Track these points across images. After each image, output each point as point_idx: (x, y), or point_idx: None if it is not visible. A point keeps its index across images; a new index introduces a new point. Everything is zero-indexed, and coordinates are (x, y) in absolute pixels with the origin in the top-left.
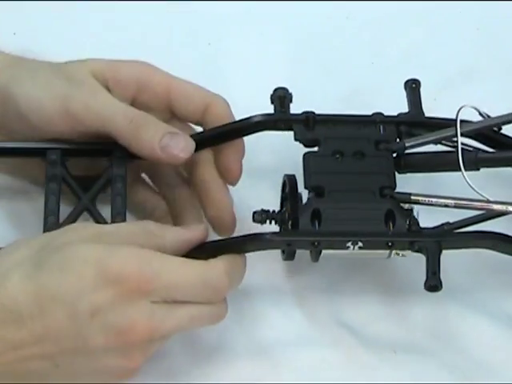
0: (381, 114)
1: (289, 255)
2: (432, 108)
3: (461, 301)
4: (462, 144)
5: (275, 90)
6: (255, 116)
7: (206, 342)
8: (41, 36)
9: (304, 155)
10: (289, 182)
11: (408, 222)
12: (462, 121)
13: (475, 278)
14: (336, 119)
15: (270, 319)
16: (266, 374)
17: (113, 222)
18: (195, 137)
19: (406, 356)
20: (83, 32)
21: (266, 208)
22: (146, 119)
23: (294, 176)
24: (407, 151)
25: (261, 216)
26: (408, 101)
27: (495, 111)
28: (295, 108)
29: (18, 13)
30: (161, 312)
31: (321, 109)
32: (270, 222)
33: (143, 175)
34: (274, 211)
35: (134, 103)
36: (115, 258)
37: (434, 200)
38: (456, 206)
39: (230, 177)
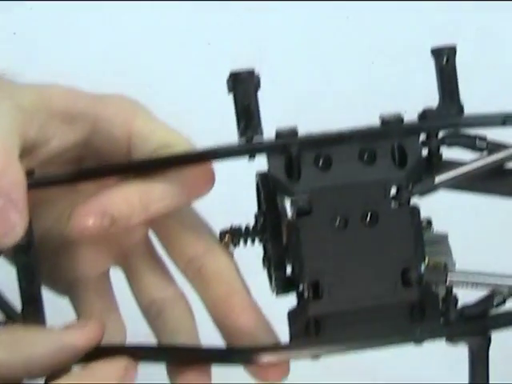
0: (394, 119)
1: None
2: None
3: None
4: None
5: (233, 78)
6: (208, 151)
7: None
8: (41, 36)
9: (291, 225)
10: (262, 183)
11: (444, 309)
12: None
13: None
14: (330, 143)
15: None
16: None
17: (23, 313)
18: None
19: (406, 354)
20: (83, 32)
21: (241, 223)
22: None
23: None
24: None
25: (231, 236)
26: (438, 85)
27: (495, 111)
28: (295, 105)
29: (18, 13)
30: None
31: (321, 108)
32: (245, 242)
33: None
34: (246, 228)
35: (87, 144)
36: None
37: (480, 279)
38: None
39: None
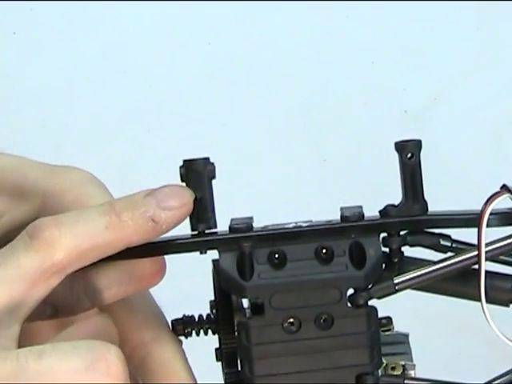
0: (354, 216)
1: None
2: (432, 107)
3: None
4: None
5: (186, 166)
6: (156, 245)
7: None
8: (41, 36)
9: (242, 324)
10: (216, 274)
11: None
12: (492, 213)
13: None
14: (285, 243)
15: None
16: None
17: None
18: None
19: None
20: (83, 32)
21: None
22: None
23: None
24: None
25: (183, 326)
26: (401, 180)
27: (495, 111)
28: (295, 105)
29: (18, 13)
30: None
31: (321, 108)
32: (198, 333)
33: None
34: (200, 317)
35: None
36: None
37: None
38: None
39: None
